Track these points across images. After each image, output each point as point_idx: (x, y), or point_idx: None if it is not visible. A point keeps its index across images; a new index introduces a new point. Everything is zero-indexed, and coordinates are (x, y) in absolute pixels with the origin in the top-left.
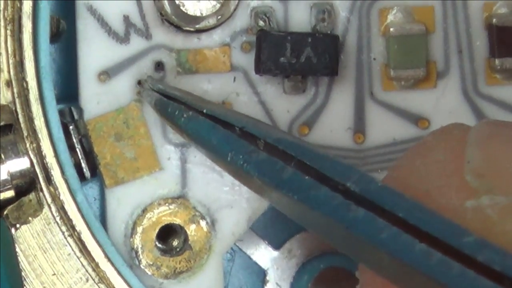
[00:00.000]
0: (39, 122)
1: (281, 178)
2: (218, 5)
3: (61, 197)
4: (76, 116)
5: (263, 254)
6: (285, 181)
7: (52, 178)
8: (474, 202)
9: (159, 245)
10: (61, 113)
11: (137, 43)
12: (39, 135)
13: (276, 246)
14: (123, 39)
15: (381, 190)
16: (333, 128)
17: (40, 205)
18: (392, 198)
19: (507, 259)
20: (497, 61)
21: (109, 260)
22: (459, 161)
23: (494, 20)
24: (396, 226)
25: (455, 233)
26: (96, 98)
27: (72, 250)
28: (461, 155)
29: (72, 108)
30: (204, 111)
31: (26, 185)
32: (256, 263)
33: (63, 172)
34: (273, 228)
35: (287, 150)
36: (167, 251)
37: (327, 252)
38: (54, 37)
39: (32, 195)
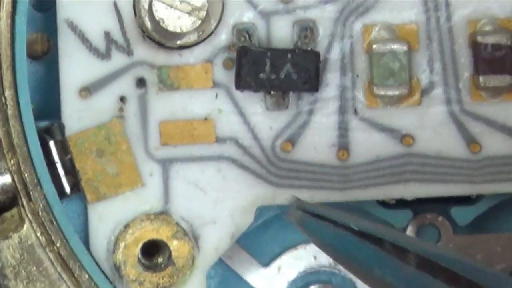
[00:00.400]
0: (17, 138)
1: None
2: (198, 22)
3: (40, 213)
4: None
5: (252, 271)
6: None
7: (31, 194)
8: None
9: (143, 261)
10: (47, 129)
11: (118, 60)
12: (18, 151)
13: (265, 263)
14: (104, 55)
15: None
16: (316, 144)
17: (21, 220)
18: None
19: None
20: (481, 78)
21: (89, 275)
22: None
23: (478, 37)
24: None
25: None
26: (78, 114)
27: (53, 265)
28: None
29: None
30: (353, 227)
31: (8, 200)
32: (245, 281)
33: (41, 188)
34: (262, 245)
35: (439, 262)
36: (150, 267)
37: (316, 269)
38: (44, 55)
39: (14, 211)
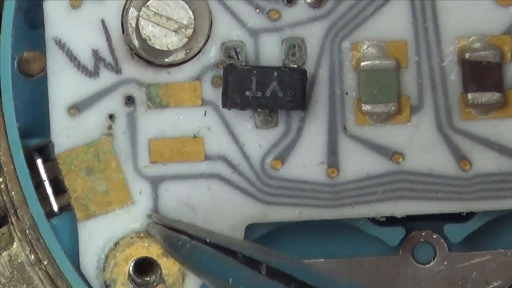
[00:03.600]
0: (3, 157)
1: None
2: (185, 40)
3: (28, 232)
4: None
5: None
6: None
7: (18, 212)
8: None
9: (133, 279)
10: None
11: (106, 78)
12: (5, 170)
13: None
14: (93, 73)
15: None
16: (306, 162)
17: (11, 238)
18: None
19: None
20: (469, 96)
21: None
22: None
23: (467, 55)
24: None
25: None
26: (66, 132)
27: (42, 283)
28: None
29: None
30: (208, 240)
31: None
32: None
33: (28, 207)
34: None
35: (289, 273)
36: (141, 284)
37: None
38: (41, 73)
39: (4, 229)
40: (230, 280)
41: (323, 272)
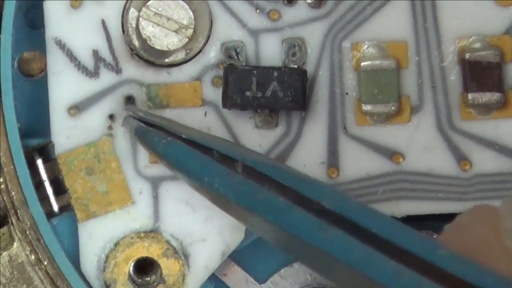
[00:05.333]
0: (4, 157)
1: (256, 200)
2: (186, 40)
3: (28, 232)
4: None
5: None
6: (260, 202)
7: (18, 212)
8: None
9: (133, 279)
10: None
11: (107, 78)
12: (5, 170)
13: (262, 279)
14: (93, 74)
15: (356, 208)
16: (306, 162)
17: (12, 239)
18: (367, 214)
19: (480, 273)
20: (469, 96)
21: None
22: (497, 232)
23: (467, 55)
24: (368, 244)
25: (429, 247)
26: (67, 132)
27: (42, 283)
28: (498, 227)
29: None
30: (183, 136)
31: (0, 218)
32: None
33: (28, 207)
34: (257, 261)
35: (264, 172)
36: (141, 284)
37: (312, 285)
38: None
39: (4, 229)
40: (206, 178)
41: (297, 172)
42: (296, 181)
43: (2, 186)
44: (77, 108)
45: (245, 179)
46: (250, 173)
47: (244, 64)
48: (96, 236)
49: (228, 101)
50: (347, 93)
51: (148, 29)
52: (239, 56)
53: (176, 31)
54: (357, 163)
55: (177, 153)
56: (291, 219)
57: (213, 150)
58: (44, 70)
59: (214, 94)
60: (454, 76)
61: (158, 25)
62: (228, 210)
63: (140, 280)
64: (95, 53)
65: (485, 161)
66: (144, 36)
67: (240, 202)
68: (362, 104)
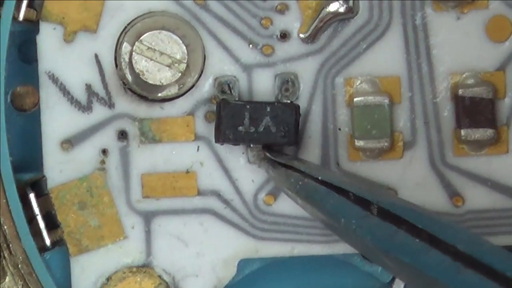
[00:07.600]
0: None
1: (393, 242)
2: (178, 74)
3: (20, 266)
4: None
5: None
6: (396, 245)
7: (11, 246)
8: None
9: None
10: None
11: (100, 112)
12: None
13: None
14: (86, 108)
15: (491, 251)
16: None
17: (4, 272)
18: (502, 258)
19: None
20: (462, 132)
21: None
22: None
23: (460, 91)
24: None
25: None
26: (59, 166)
27: None
28: None
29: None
30: (319, 178)
31: None
32: None
33: (21, 241)
34: None
35: (399, 214)
36: None
37: None
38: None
39: None
40: (342, 220)
41: (431, 214)
42: (431, 223)
43: None
44: (69, 143)
45: (381, 221)
46: (385, 216)
47: (237, 99)
48: (89, 270)
49: (221, 136)
50: (339, 129)
51: (141, 64)
52: (232, 91)
53: (169, 66)
54: None
55: (315, 194)
56: (428, 261)
57: (349, 192)
58: (37, 104)
59: (207, 128)
60: (447, 112)
61: (151, 59)
62: (364, 250)
63: None
64: (88, 87)
65: (478, 198)
66: (137, 71)
67: (377, 243)
68: (355, 140)
